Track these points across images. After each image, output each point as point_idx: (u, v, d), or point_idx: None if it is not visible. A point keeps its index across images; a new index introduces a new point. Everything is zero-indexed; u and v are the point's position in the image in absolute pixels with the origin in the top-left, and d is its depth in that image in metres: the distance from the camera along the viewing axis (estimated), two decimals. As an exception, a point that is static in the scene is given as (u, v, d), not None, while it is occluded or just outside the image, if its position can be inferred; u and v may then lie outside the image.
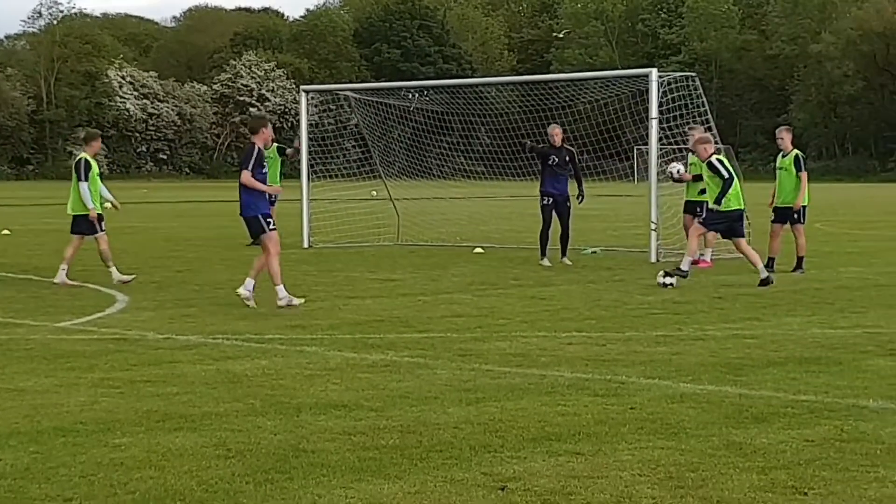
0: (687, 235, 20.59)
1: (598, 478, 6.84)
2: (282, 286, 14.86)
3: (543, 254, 21.24)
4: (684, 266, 17.48)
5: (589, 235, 28.32)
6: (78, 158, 18.07)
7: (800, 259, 19.73)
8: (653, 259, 21.46)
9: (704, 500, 6.42)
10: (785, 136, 19.95)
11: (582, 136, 32.61)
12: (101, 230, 17.93)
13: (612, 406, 8.81)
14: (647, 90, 22.18)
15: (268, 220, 14.95)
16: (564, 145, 21.54)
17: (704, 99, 23.81)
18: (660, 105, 22.24)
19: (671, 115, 23.17)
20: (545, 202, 21.20)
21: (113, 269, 17.88)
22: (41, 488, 6.62)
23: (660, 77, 22.34)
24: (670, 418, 8.38)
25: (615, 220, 36.65)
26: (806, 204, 19.72)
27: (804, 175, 19.62)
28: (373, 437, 7.81)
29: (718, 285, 17.64)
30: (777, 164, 20.04)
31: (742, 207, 17.82)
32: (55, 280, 17.62)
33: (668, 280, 17.24)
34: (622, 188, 47.25)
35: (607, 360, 10.86)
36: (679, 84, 23.69)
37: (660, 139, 22.19)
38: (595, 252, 23.82)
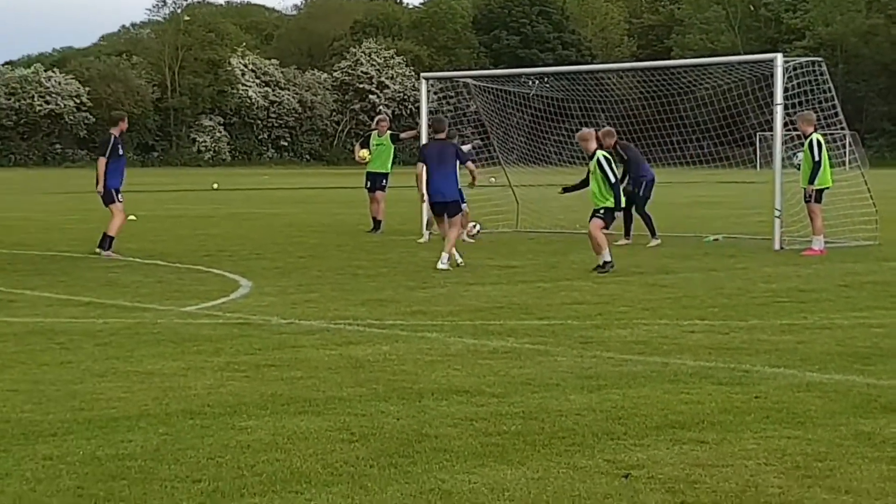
0: (812, 222, 20.44)
1: (723, 466, 6.78)
2: (448, 254, 17.87)
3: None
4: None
5: (711, 223, 28.02)
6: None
7: None
8: (776, 247, 21.16)
9: (832, 490, 6.32)
10: None
11: (703, 122, 32.30)
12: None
13: (737, 395, 8.71)
14: (772, 75, 21.86)
15: (463, 202, 19.42)
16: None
17: (831, 84, 23.40)
18: (785, 90, 21.92)
19: (796, 100, 22.80)
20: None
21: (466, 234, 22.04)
22: (170, 469, 6.74)
23: (785, 62, 22.00)
24: (796, 407, 8.26)
25: (738, 207, 36.19)
26: None
27: None
28: (495, 423, 7.82)
29: (844, 273, 17.34)
30: None
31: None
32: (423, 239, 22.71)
33: (607, 262, 17.43)
34: (744, 175, 46.66)
35: (731, 349, 10.74)
36: (804, 69, 23.30)
37: (784, 125, 21.87)
38: (717, 239, 23.57)
